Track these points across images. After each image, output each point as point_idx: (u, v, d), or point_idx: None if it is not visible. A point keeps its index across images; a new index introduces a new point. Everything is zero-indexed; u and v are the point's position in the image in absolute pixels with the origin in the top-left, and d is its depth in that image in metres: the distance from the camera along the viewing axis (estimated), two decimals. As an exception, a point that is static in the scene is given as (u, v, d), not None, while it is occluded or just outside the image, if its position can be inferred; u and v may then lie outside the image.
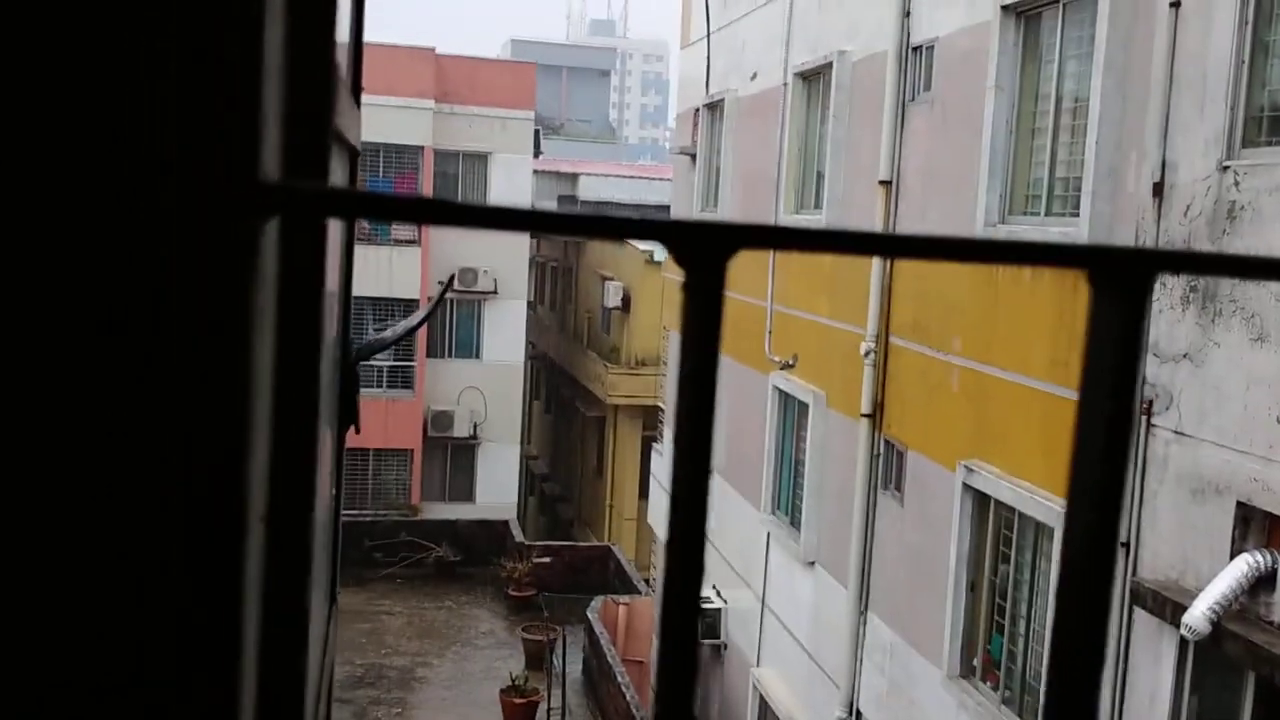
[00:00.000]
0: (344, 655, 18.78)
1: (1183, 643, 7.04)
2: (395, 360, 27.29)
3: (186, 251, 0.64)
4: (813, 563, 12.94)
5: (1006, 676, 9.38)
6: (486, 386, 28.52)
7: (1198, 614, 6.53)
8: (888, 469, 11.33)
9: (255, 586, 0.82)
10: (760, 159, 14.73)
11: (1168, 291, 7.44)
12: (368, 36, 2.41)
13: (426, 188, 27.30)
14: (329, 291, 1.45)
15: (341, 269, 2.14)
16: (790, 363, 13.53)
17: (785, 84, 14.05)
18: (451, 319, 28.81)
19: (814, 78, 13.51)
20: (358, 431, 2.77)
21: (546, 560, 24.03)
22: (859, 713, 11.70)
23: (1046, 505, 8.52)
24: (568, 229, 0.55)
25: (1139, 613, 7.43)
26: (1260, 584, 6.52)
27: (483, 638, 22.01)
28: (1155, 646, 7.39)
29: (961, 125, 10.03)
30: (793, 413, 13.82)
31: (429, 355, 28.14)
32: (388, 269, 26.45)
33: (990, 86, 9.44)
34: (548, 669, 18.75)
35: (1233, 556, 6.67)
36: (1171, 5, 7.40)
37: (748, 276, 14.54)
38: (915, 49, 11.02)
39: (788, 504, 13.93)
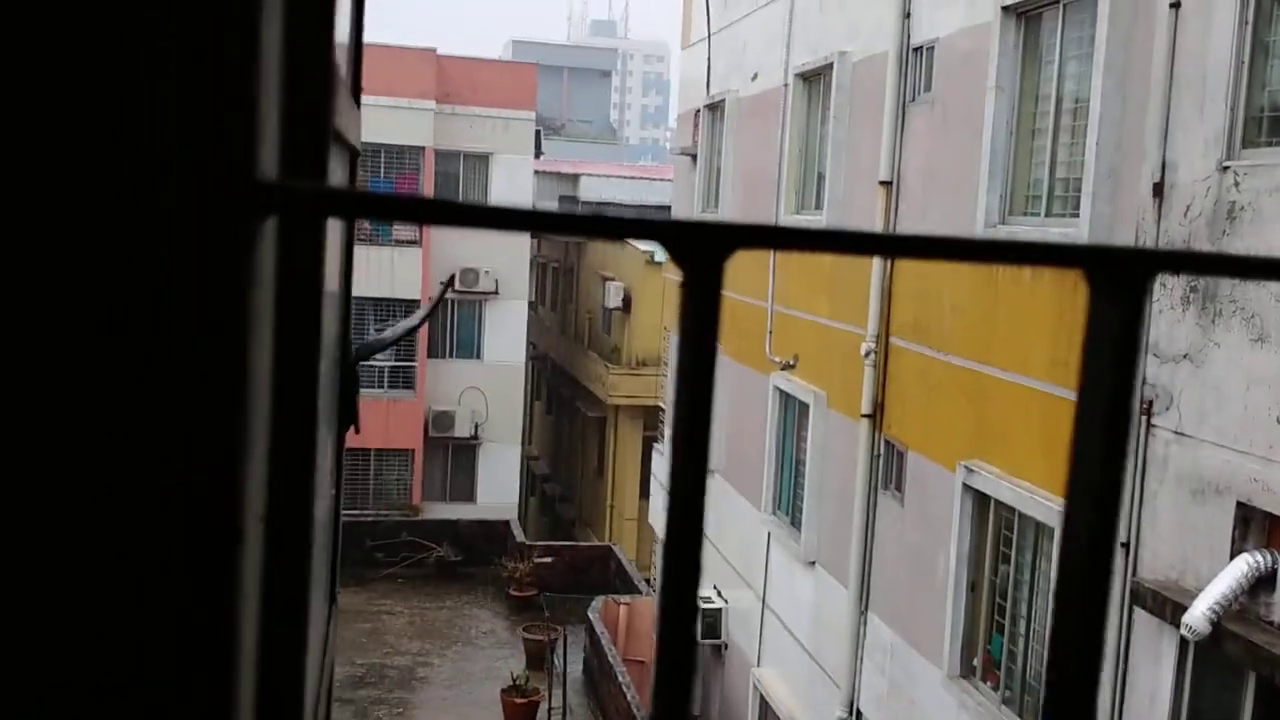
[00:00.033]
0: (345, 655, 18.79)
1: (1183, 643, 7.04)
2: (396, 360, 27.29)
3: (185, 251, 0.64)
4: (813, 563, 12.95)
5: (1007, 676, 9.38)
6: (487, 387, 28.53)
7: (1198, 614, 6.53)
8: (888, 469, 11.34)
9: (255, 586, 0.82)
10: (761, 159, 14.73)
11: (1168, 292, 7.44)
12: (368, 36, 2.41)
13: (427, 188, 27.29)
14: (328, 292, 1.45)
15: (341, 269, 2.14)
16: (791, 363, 13.54)
17: (786, 85, 14.06)
18: (452, 319, 28.81)
19: (814, 78, 13.51)
20: (357, 432, 2.77)
21: (547, 560, 24.03)
22: (859, 713, 11.70)
23: (1046, 505, 8.52)
24: (568, 229, 0.55)
25: (1139, 613, 7.43)
26: (1260, 584, 6.52)
27: (484, 637, 22.02)
28: (1155, 646, 7.39)
29: (962, 126, 10.03)
30: (793, 413, 13.82)
31: (430, 355, 28.15)
32: (389, 269, 26.46)
33: (990, 87, 9.44)
34: (549, 669, 18.75)
35: (1233, 557, 6.67)
36: (1171, 5, 7.40)
37: (748, 277, 14.54)
38: (916, 50, 11.03)
39: (788, 504, 13.93)
